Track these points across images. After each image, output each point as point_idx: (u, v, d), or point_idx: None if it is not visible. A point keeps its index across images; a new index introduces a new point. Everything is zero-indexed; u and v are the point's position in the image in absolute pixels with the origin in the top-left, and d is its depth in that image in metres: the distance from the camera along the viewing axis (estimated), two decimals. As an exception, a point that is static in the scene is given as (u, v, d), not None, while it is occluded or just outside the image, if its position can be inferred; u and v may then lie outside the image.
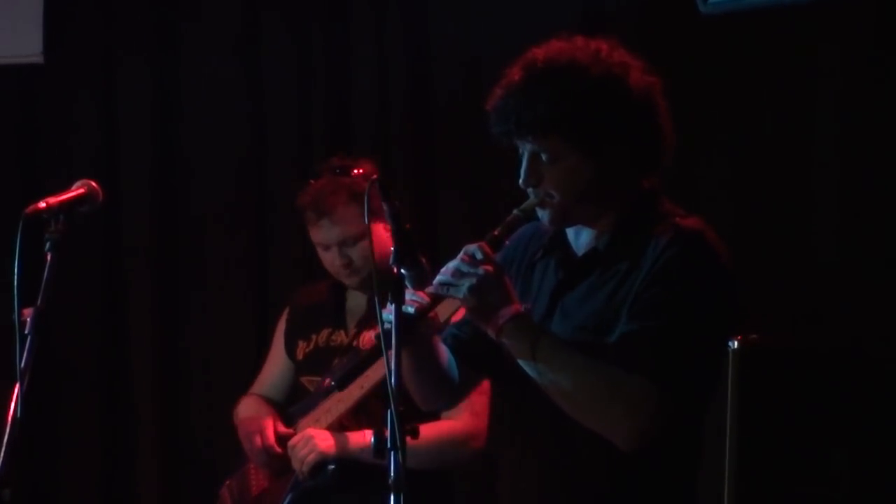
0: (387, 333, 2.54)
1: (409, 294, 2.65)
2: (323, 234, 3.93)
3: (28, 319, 2.76)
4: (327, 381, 3.90)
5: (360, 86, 4.93)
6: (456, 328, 2.91)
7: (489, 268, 2.65)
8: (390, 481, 2.47)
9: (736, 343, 3.62)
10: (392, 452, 2.48)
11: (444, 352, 2.86)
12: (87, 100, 5.21)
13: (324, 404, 3.88)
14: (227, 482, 4.12)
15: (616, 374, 2.62)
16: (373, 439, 2.50)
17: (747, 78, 4.33)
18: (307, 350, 4.04)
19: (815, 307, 4.20)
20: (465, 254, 2.67)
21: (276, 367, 4.17)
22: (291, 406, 4.02)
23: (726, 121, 4.37)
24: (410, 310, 2.62)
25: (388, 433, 2.50)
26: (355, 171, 3.94)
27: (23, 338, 2.75)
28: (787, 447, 3.74)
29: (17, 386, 2.72)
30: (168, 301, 5.15)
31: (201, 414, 5.07)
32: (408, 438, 3.80)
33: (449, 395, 2.92)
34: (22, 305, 2.76)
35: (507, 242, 2.76)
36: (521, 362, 2.68)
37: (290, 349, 4.10)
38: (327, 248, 3.95)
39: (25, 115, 5.28)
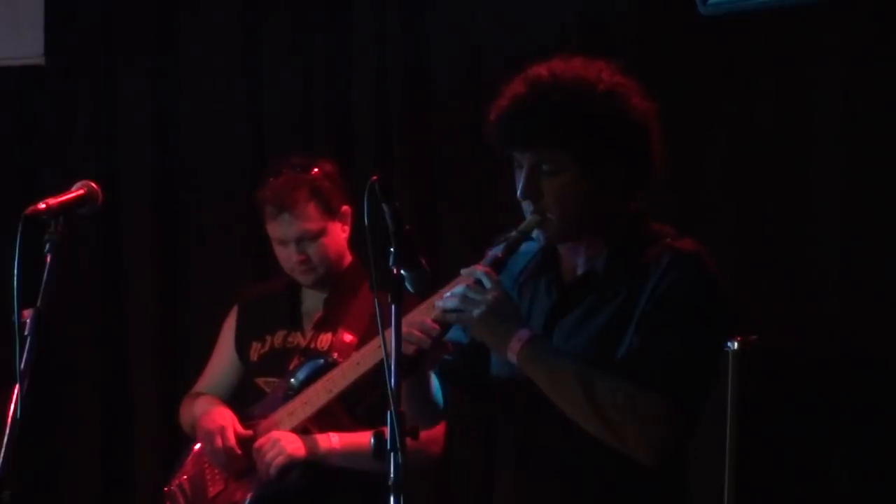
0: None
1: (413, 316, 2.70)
2: (282, 229, 3.92)
3: (28, 320, 2.76)
4: (285, 383, 3.89)
5: (360, 86, 4.92)
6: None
7: (497, 294, 2.69)
8: (390, 482, 2.46)
9: (736, 343, 3.62)
10: (392, 453, 2.47)
11: (429, 377, 2.89)
12: (87, 101, 5.21)
13: (286, 406, 3.86)
14: (177, 480, 4.06)
15: (635, 393, 2.65)
16: (372, 440, 2.49)
17: (747, 78, 4.33)
18: (262, 351, 4.02)
19: (815, 308, 4.20)
20: (472, 280, 2.70)
21: (223, 367, 4.14)
22: (249, 407, 3.97)
23: (726, 121, 4.36)
24: (425, 346, 2.67)
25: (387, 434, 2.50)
26: (315, 169, 3.95)
27: (22, 339, 2.75)
28: (787, 447, 3.74)
29: (17, 387, 2.72)
30: (168, 301, 5.15)
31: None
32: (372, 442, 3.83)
33: (431, 418, 2.96)
34: (22, 307, 2.76)
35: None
36: (539, 383, 2.70)
37: (242, 349, 4.07)
38: (285, 243, 3.94)
39: (26, 117, 5.28)
